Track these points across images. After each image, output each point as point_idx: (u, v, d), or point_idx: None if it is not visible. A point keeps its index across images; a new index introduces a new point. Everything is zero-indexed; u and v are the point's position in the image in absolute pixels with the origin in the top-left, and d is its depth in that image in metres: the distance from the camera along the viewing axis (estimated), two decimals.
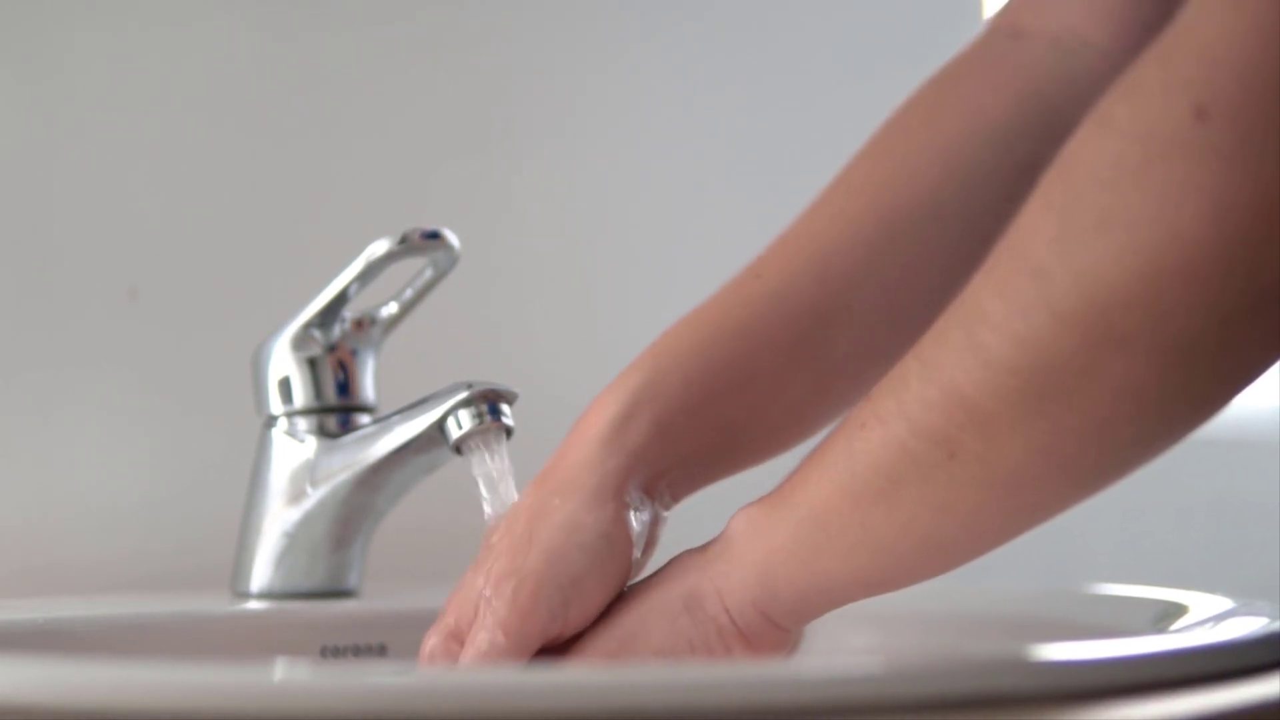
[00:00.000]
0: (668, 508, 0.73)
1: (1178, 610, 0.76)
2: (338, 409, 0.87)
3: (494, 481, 0.78)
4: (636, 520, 0.72)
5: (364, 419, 0.87)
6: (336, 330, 0.87)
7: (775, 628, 0.68)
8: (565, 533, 0.70)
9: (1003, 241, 0.60)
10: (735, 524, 0.69)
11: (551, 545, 0.70)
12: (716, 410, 0.73)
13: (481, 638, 0.70)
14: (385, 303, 0.89)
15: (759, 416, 0.74)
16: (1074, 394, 0.58)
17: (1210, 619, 0.73)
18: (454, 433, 0.80)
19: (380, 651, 0.85)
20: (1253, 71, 0.54)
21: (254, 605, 0.86)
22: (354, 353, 0.88)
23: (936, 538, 0.64)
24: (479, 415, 0.80)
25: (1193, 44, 0.56)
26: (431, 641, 0.72)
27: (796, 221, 0.77)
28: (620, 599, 0.71)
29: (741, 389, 0.73)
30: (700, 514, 0.76)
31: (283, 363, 0.87)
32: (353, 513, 0.86)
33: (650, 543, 0.72)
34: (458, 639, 0.71)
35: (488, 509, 0.78)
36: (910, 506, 0.63)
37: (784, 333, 0.74)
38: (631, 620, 0.70)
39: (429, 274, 0.89)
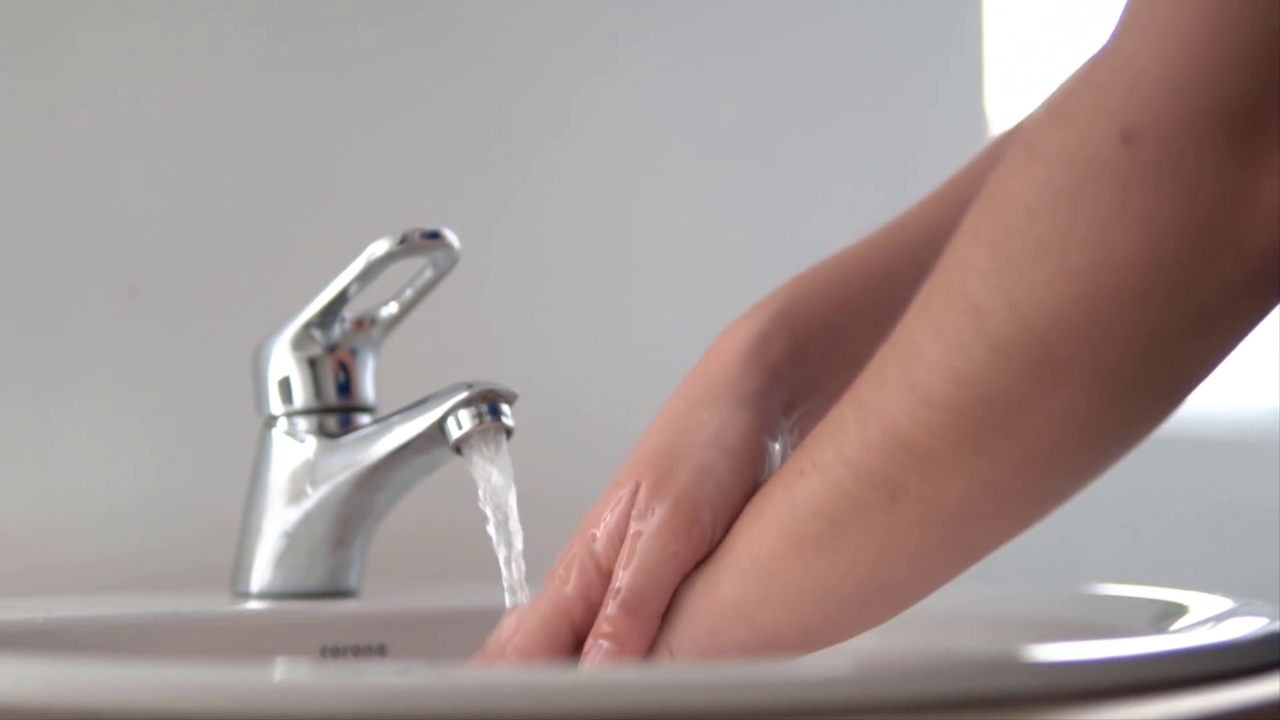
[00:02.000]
0: (792, 446, 0.72)
1: (1178, 610, 0.76)
2: (338, 409, 0.87)
3: (493, 482, 0.78)
4: (773, 444, 0.70)
5: (364, 419, 0.87)
6: (336, 330, 0.87)
7: None
8: (714, 451, 0.69)
9: (934, 276, 0.60)
10: (684, 579, 0.68)
11: (701, 464, 0.68)
12: (850, 343, 0.72)
13: (637, 561, 0.68)
14: (385, 303, 0.89)
15: None
16: (1015, 426, 0.58)
17: (1210, 619, 0.73)
18: (454, 433, 0.80)
19: (380, 651, 0.85)
20: (1177, 93, 0.54)
21: (254, 605, 0.86)
22: (354, 353, 0.88)
23: (881, 580, 0.64)
24: (479, 415, 0.80)
25: (1117, 68, 0.56)
26: (570, 549, 0.70)
27: (943, 184, 0.76)
28: None
29: (877, 324, 0.71)
30: None
31: (283, 362, 0.87)
32: (353, 513, 0.86)
33: (772, 466, 0.71)
34: (594, 560, 0.69)
35: (487, 509, 0.78)
36: (853, 550, 0.63)
37: (922, 275, 0.73)
38: None
39: (429, 274, 0.89)
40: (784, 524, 0.64)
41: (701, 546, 0.68)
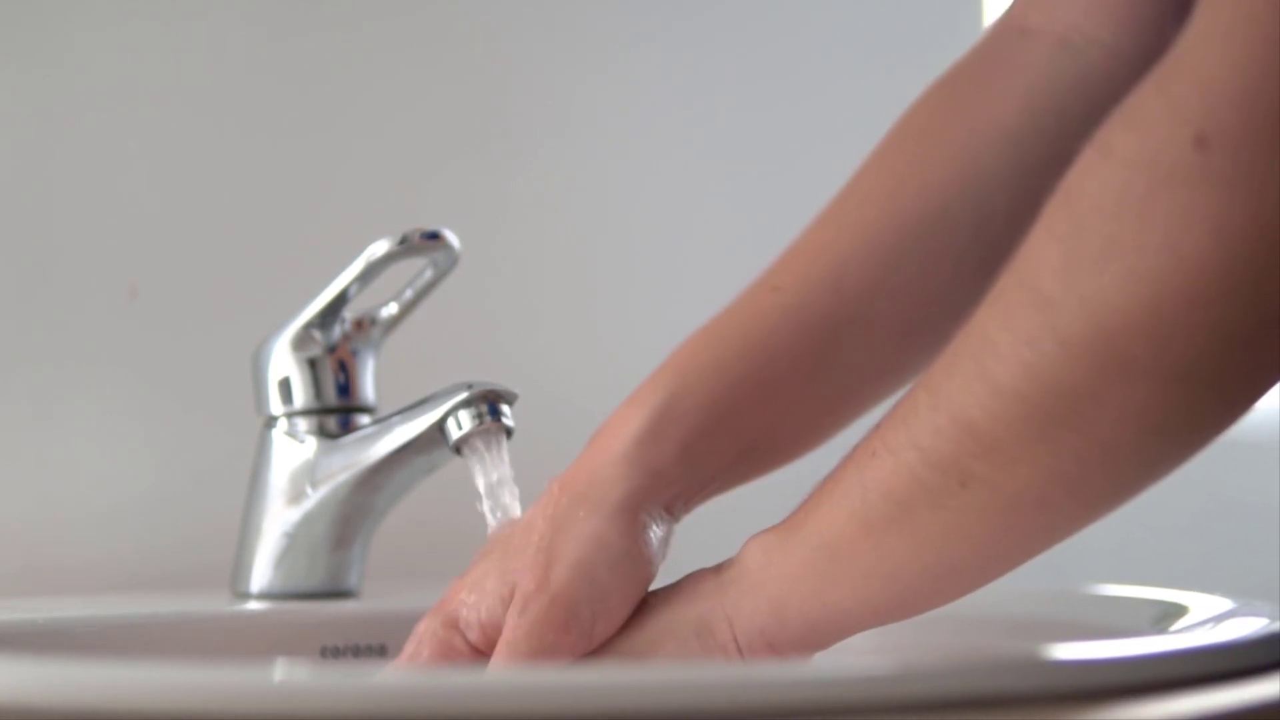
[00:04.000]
0: (679, 519, 0.74)
1: (1178, 610, 0.76)
2: (338, 409, 0.87)
3: (493, 482, 0.78)
4: (655, 536, 0.72)
5: (364, 419, 0.87)
6: (336, 330, 0.87)
7: (780, 658, 0.68)
8: (592, 549, 0.70)
9: (1008, 271, 0.61)
10: (749, 551, 0.69)
11: (579, 561, 0.70)
12: (737, 427, 0.74)
13: (511, 654, 0.69)
14: (385, 303, 0.89)
15: (776, 430, 0.75)
16: (1081, 419, 0.59)
17: (1210, 619, 0.73)
18: (454, 433, 0.80)
19: (380, 651, 0.85)
20: (1250, 100, 0.55)
21: (254, 605, 0.86)
22: (354, 353, 0.88)
23: (948, 564, 0.65)
24: (479, 416, 0.80)
25: (1191, 73, 0.56)
26: (431, 625, 0.72)
27: (809, 230, 0.77)
28: (634, 614, 0.71)
29: (761, 404, 0.74)
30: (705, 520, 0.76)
31: (283, 363, 0.87)
32: (353, 513, 0.86)
33: (662, 556, 0.73)
34: (458, 630, 0.71)
35: (487, 510, 0.78)
36: (922, 533, 0.64)
37: (802, 346, 0.74)
38: (643, 641, 0.70)
39: (429, 274, 0.89)
40: (854, 504, 0.65)
41: (581, 642, 0.70)
